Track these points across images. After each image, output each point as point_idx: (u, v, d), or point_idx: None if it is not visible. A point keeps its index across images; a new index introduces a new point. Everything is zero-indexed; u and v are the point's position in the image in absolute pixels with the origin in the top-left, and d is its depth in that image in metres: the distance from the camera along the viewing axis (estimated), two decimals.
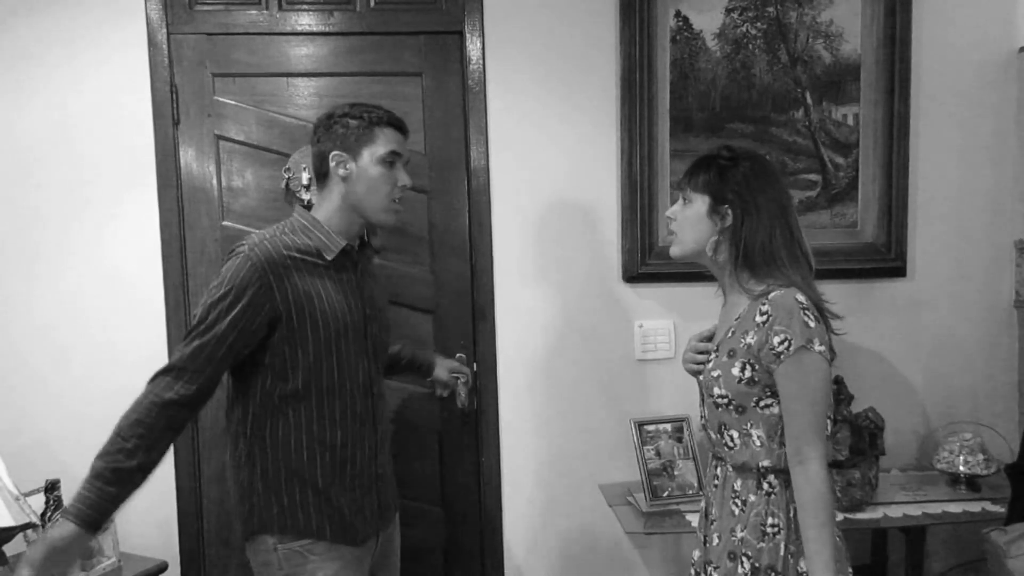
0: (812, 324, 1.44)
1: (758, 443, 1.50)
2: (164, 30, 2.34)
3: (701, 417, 1.65)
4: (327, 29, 2.39)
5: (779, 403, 1.48)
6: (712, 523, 1.60)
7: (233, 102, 2.39)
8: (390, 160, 1.72)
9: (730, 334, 1.54)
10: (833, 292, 2.52)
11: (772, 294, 1.47)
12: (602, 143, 2.47)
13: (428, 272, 2.48)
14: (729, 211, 1.52)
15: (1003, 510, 2.20)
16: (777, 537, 1.48)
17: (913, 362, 2.63)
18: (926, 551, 2.37)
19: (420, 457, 2.50)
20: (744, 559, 1.50)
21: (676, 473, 2.35)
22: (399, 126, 1.76)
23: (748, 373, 1.48)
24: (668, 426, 2.39)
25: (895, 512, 2.21)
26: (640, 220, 2.46)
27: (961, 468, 2.33)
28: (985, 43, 2.57)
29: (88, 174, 2.35)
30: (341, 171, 1.71)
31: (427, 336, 2.48)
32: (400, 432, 2.46)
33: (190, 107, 2.38)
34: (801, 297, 1.46)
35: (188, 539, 2.43)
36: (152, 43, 2.34)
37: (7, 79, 2.32)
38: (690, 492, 2.32)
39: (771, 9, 2.49)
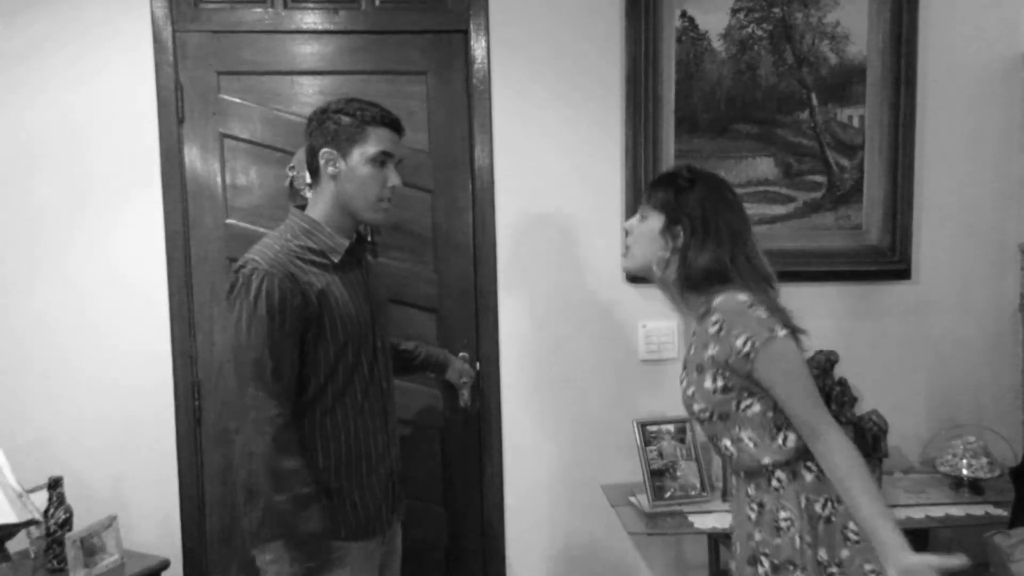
0: (764, 315, 1.46)
1: (751, 444, 1.51)
2: (169, 28, 2.34)
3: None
4: (332, 27, 2.39)
5: (759, 400, 1.49)
6: (733, 531, 1.61)
7: (238, 100, 2.39)
8: (380, 160, 1.71)
9: (692, 350, 1.57)
10: (837, 294, 2.56)
11: (715, 301, 1.50)
12: (606, 143, 2.47)
13: (432, 271, 2.48)
14: (681, 232, 1.54)
15: (1006, 514, 2.19)
16: (791, 530, 1.48)
17: (917, 365, 2.62)
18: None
19: (422, 456, 2.50)
20: (763, 559, 1.51)
21: (679, 474, 2.34)
22: (393, 125, 1.75)
23: (720, 382, 1.50)
24: (671, 427, 2.39)
25: (898, 515, 2.19)
26: None
27: (964, 471, 2.32)
28: (991, 46, 2.56)
29: (92, 172, 2.35)
30: (331, 169, 1.71)
31: (430, 335, 2.47)
32: (402, 431, 2.46)
33: (195, 105, 2.38)
34: (743, 296, 1.48)
35: (190, 537, 2.43)
36: (157, 41, 2.34)
37: (12, 76, 2.32)
38: (692, 493, 2.31)
39: (777, 10, 2.48)
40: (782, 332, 1.45)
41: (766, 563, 1.50)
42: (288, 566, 1.66)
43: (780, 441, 1.50)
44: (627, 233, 1.64)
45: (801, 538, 1.47)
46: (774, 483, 1.51)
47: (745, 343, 1.44)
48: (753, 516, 1.54)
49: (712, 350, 1.49)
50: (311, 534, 1.60)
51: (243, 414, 1.60)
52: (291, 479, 1.58)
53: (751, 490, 1.55)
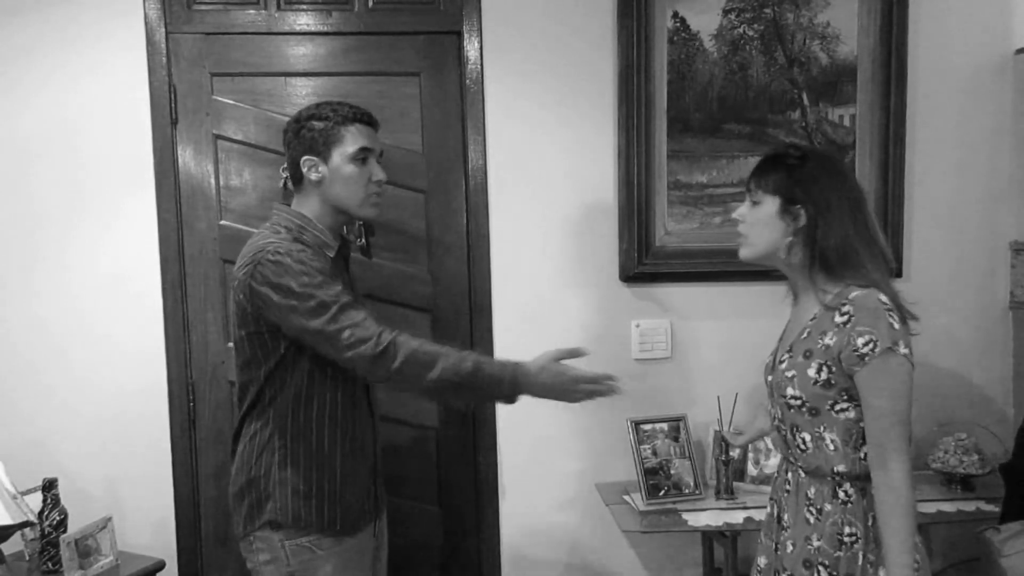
0: (897, 326, 1.41)
1: (831, 447, 1.48)
2: (162, 29, 2.34)
3: (774, 418, 1.62)
4: (325, 29, 2.39)
5: (855, 407, 1.46)
6: (785, 530, 1.57)
7: (231, 101, 2.40)
8: (361, 157, 1.72)
9: (805, 335, 1.51)
10: None
11: (852, 294, 1.44)
12: (599, 143, 2.48)
13: (426, 271, 2.49)
14: (802, 211, 1.49)
15: (997, 509, 2.21)
16: (855, 546, 1.46)
17: None
18: None
19: (417, 456, 2.50)
20: (820, 568, 1.49)
21: (672, 472, 2.35)
22: (366, 120, 1.75)
23: (824, 375, 1.46)
24: (665, 425, 2.40)
25: None
26: (637, 220, 2.47)
27: (956, 468, 2.34)
28: (981, 45, 2.58)
29: (86, 173, 2.35)
30: (314, 175, 1.72)
31: (425, 335, 2.47)
32: (397, 431, 2.46)
33: (188, 106, 2.38)
34: (884, 298, 1.43)
35: (185, 538, 2.43)
36: (150, 42, 2.34)
37: (5, 78, 2.31)
38: (686, 491, 2.33)
39: (768, 10, 2.50)
40: (904, 350, 1.40)
41: (823, 573, 1.48)
42: (284, 567, 1.67)
43: (862, 454, 1.47)
44: (738, 222, 1.58)
45: (864, 556, 1.45)
46: (841, 495, 1.49)
47: (867, 343, 1.40)
48: (812, 520, 1.51)
49: (830, 339, 1.44)
50: (497, 375, 1.65)
51: (367, 365, 1.59)
52: (449, 354, 1.62)
53: (811, 493, 1.52)
